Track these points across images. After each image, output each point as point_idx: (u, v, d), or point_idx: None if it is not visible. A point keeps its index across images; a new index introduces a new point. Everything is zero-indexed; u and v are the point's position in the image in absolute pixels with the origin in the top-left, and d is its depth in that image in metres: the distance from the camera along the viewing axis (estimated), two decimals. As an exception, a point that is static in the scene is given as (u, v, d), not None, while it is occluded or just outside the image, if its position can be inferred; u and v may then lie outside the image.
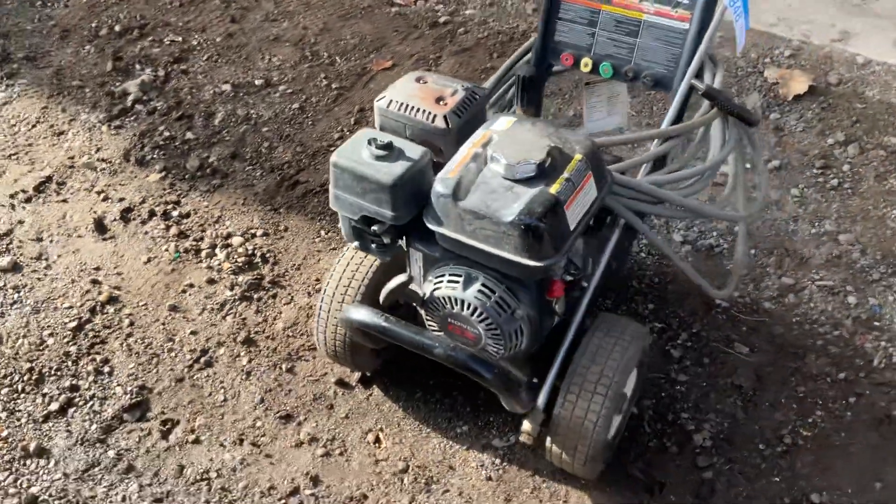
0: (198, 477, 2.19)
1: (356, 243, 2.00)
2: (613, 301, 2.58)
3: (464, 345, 1.95)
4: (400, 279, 1.96)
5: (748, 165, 2.45)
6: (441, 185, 1.79)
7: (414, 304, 1.98)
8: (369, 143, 1.85)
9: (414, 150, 1.87)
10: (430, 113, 1.96)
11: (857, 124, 3.15)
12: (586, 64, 2.41)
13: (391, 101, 2.01)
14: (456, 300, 1.86)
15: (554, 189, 1.75)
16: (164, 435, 2.29)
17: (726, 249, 2.73)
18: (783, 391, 2.32)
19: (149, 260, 2.78)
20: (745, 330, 2.48)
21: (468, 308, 1.86)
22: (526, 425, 1.97)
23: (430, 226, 1.83)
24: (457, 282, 1.86)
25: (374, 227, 1.90)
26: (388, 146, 1.84)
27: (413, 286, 1.99)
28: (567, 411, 1.94)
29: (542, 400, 1.97)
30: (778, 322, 2.50)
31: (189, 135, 3.25)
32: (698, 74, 2.27)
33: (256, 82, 3.52)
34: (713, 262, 2.69)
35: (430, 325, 2.00)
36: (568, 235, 1.78)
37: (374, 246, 1.98)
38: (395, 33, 3.79)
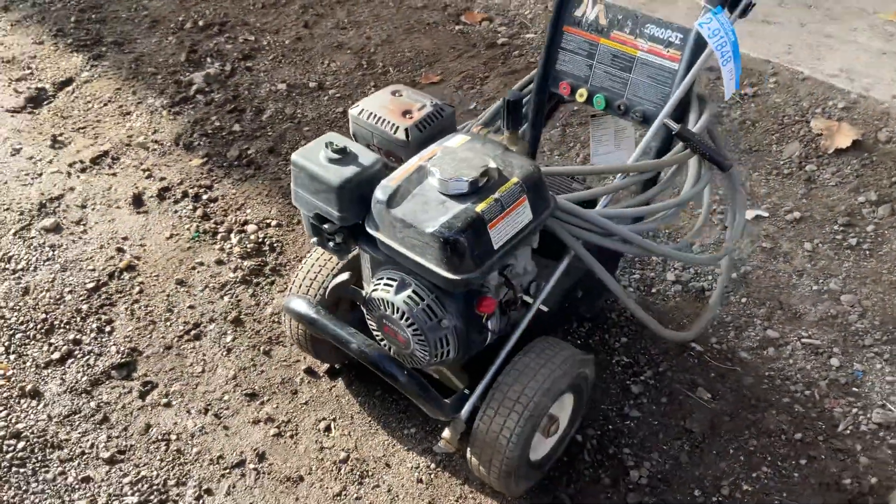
0: (160, 437, 2.37)
1: (315, 240, 2.13)
2: (588, 330, 2.60)
3: (396, 347, 2.04)
4: (342, 277, 2.07)
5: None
6: (380, 191, 1.89)
7: (357, 303, 2.09)
8: (326, 145, 1.97)
9: (367, 157, 1.98)
10: (394, 125, 2.08)
11: (895, 185, 3.03)
12: (581, 94, 2.45)
13: (363, 109, 2.14)
14: (388, 303, 1.96)
15: (480, 207, 1.81)
16: (142, 395, 2.49)
17: (718, 295, 2.70)
18: (734, 442, 2.28)
19: (171, 236, 3.01)
20: (712, 376, 2.45)
21: (398, 312, 1.95)
22: (445, 433, 2.03)
23: (368, 229, 1.94)
24: (391, 285, 1.96)
25: (326, 226, 2.02)
26: (343, 150, 1.97)
27: (366, 286, 2.10)
28: (485, 425, 1.99)
29: (465, 411, 2.04)
30: (749, 373, 2.45)
31: (236, 126, 3.49)
32: (683, 114, 2.29)
33: (310, 84, 3.72)
34: (701, 305, 2.66)
35: (370, 325, 2.10)
36: (491, 254, 1.84)
37: (330, 244, 2.10)
38: (452, 50, 3.91)
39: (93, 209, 3.14)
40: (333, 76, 3.77)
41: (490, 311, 1.98)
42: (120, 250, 2.95)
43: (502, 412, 1.97)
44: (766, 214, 2.98)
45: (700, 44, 2.22)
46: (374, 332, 2.09)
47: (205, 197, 3.16)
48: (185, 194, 3.17)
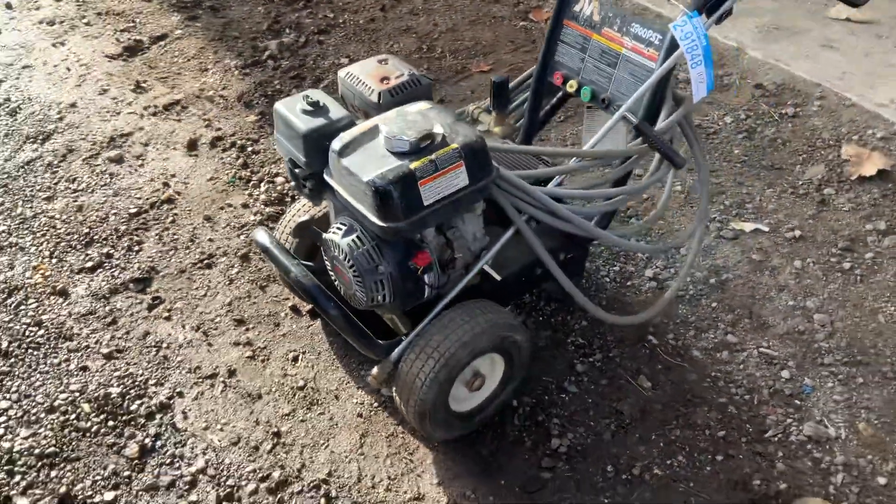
0: (153, 344, 2.69)
1: (293, 184, 2.39)
2: (554, 310, 2.73)
3: (343, 287, 2.26)
4: (303, 217, 2.31)
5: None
6: (336, 142, 2.12)
7: (317, 243, 2.33)
8: (303, 98, 2.22)
9: (337, 113, 2.21)
10: (371, 88, 2.30)
11: (909, 218, 2.99)
12: (572, 85, 2.59)
13: (349, 73, 2.37)
14: (336, 245, 2.18)
15: (414, 165, 2.01)
16: (150, 307, 2.82)
17: (691, 296, 2.76)
18: (659, 430, 2.37)
19: (211, 178, 3.35)
20: (658, 368, 2.54)
21: (342, 253, 2.17)
22: (374, 370, 2.24)
23: (325, 176, 2.17)
24: (340, 230, 2.19)
25: (297, 171, 2.27)
26: (316, 104, 2.21)
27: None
28: (406, 367, 2.18)
29: (395, 354, 2.23)
30: (696, 371, 2.52)
31: (294, 91, 3.80)
32: (656, 111, 2.39)
33: (370, 61, 3.99)
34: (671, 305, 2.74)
35: (326, 265, 2.34)
36: (419, 209, 2.03)
37: (304, 189, 2.35)
38: (510, 44, 4.10)
39: (154, 147, 3.53)
40: (394, 56, 4.03)
41: (423, 264, 2.17)
42: (166, 185, 3.32)
43: (422, 357, 2.16)
44: (766, 229, 3.00)
45: (674, 45, 2.32)
46: (329, 272, 2.33)
47: (249, 149, 3.49)
48: (233, 144, 3.51)
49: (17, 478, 2.29)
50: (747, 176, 3.24)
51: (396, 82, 2.30)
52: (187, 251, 3.03)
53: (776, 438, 2.33)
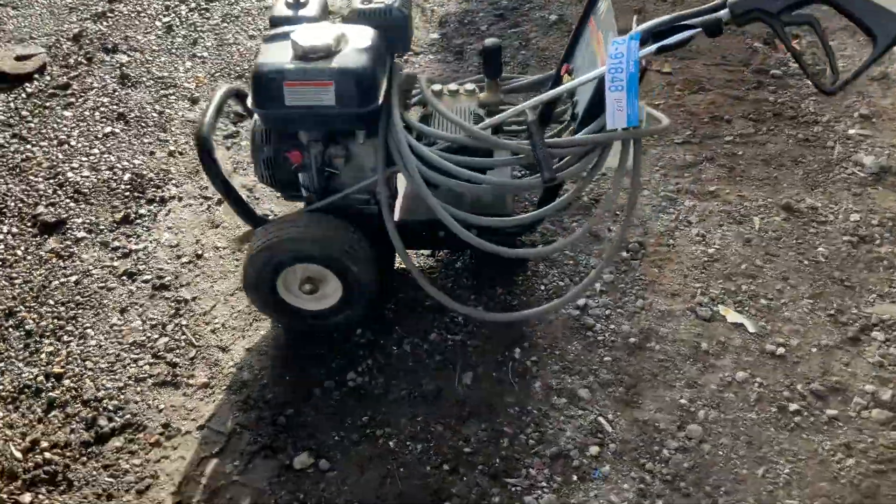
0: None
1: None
2: (473, 274, 2.74)
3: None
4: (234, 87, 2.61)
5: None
6: (269, 31, 2.42)
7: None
8: (286, 0, 2.54)
9: (311, 10, 2.47)
10: (354, 3, 2.52)
11: None
12: (566, 79, 2.52)
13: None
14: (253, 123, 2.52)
15: (288, 66, 2.23)
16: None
17: (593, 329, 2.56)
18: (424, 418, 2.35)
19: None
20: (489, 375, 2.46)
21: (249, 131, 2.51)
22: (236, 236, 2.57)
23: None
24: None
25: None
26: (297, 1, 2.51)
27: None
28: (252, 239, 2.48)
29: (259, 229, 2.54)
30: (515, 397, 2.40)
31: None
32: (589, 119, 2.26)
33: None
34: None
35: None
36: (280, 106, 2.26)
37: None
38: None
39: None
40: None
41: (295, 161, 2.41)
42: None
43: (260, 235, 2.43)
44: (753, 330, 2.58)
45: (614, 59, 2.15)
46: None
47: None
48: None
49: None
50: (801, 278, 2.75)
51: (370, 6, 2.48)
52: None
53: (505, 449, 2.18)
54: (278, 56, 2.27)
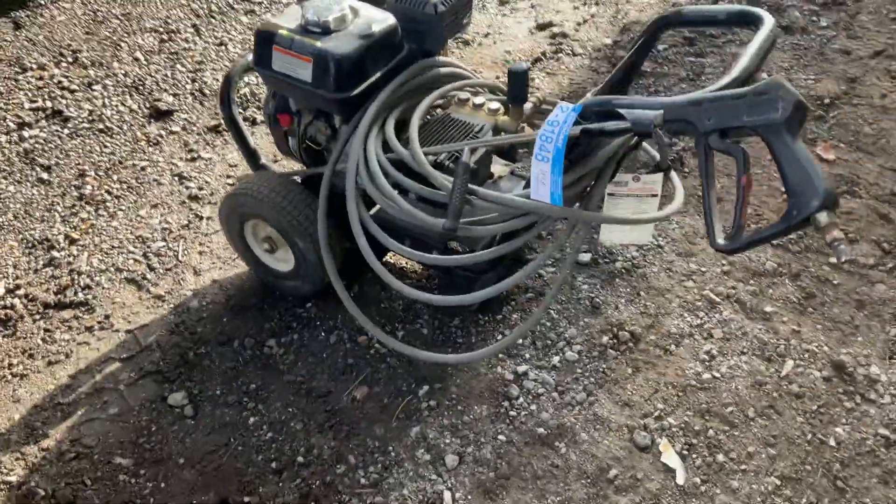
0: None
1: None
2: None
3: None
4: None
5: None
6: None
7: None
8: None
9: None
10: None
11: None
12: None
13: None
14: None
15: (282, 31, 2.25)
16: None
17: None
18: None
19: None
20: (376, 401, 2.35)
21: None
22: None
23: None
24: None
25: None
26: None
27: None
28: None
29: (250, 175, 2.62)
30: (384, 431, 2.27)
31: None
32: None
33: None
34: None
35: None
36: (268, 66, 2.28)
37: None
38: None
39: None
40: None
41: (283, 124, 2.44)
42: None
43: (241, 181, 2.51)
44: (681, 480, 2.17)
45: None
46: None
47: None
48: None
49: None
50: (788, 453, 2.23)
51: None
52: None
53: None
54: (285, 20, 2.29)
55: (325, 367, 2.44)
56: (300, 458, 2.22)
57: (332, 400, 2.36)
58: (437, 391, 2.36)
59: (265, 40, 2.26)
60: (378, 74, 2.29)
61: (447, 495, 2.14)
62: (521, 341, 2.49)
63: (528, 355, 2.45)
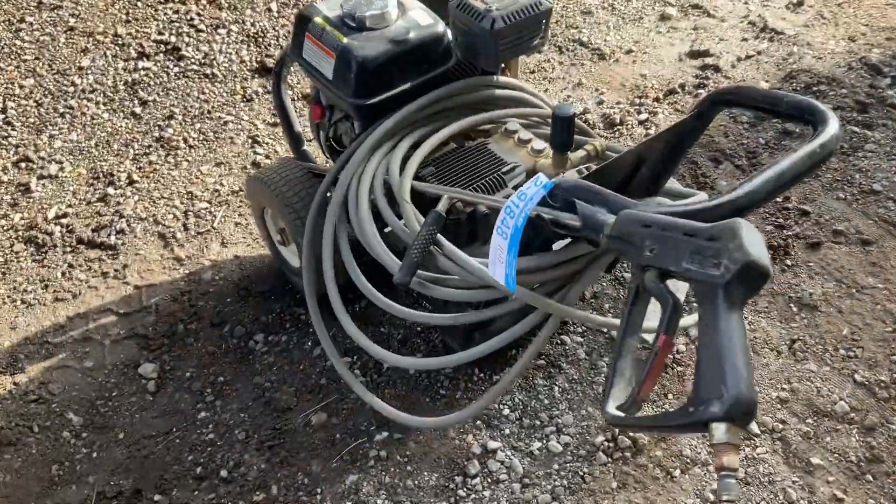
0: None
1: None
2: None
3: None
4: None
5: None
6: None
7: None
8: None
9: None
10: None
11: None
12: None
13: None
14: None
15: (318, 18, 2.05)
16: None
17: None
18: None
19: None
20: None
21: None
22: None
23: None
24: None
25: None
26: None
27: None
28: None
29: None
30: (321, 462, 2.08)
31: None
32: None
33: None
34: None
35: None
36: (299, 54, 2.12)
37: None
38: None
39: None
40: None
41: (315, 117, 2.27)
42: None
43: (272, 163, 2.39)
44: None
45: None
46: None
47: None
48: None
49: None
50: None
51: (465, 3, 2.08)
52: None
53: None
54: (328, 7, 2.11)
55: (297, 380, 2.28)
56: (224, 473, 2.08)
57: (287, 417, 2.20)
58: (394, 442, 2.13)
59: (301, 25, 2.09)
60: (407, 85, 2.05)
61: (351, 563, 1.92)
62: (507, 413, 2.18)
63: (508, 431, 2.15)
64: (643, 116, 3.04)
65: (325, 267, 1.98)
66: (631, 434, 2.11)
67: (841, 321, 2.37)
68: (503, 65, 2.30)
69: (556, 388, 2.24)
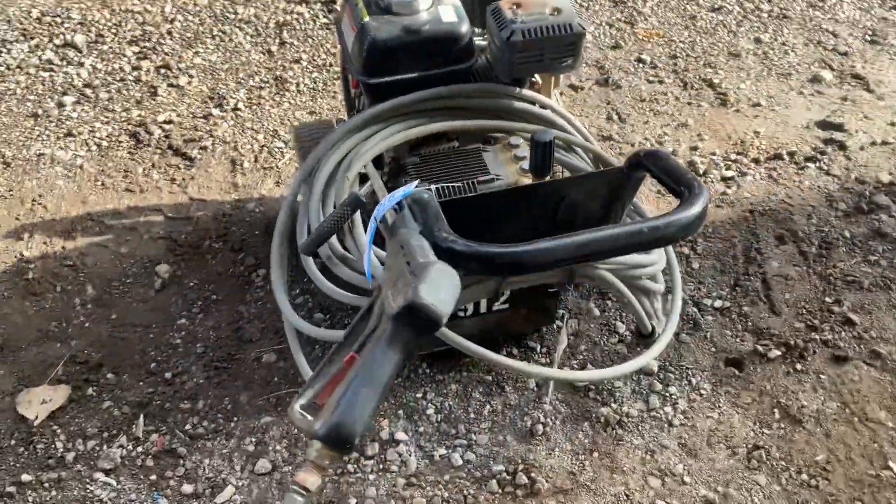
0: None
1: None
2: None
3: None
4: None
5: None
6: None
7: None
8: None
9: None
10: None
11: None
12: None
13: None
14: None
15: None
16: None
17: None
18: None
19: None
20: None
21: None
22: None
23: None
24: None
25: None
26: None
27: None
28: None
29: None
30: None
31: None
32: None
33: None
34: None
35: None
36: (339, 24, 2.24)
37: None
38: None
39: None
40: None
41: (352, 86, 2.39)
42: None
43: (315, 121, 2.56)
44: None
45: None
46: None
47: None
48: None
49: None
50: None
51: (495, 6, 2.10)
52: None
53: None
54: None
55: (270, 320, 2.44)
56: (168, 375, 2.30)
57: (245, 348, 2.37)
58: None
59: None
60: (414, 74, 2.10)
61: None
62: (430, 412, 2.21)
63: (422, 429, 2.18)
64: (729, 174, 2.84)
65: (275, 234, 2.06)
66: (532, 475, 2.06)
67: (821, 445, 2.12)
68: (534, 79, 2.28)
69: (488, 407, 2.22)
